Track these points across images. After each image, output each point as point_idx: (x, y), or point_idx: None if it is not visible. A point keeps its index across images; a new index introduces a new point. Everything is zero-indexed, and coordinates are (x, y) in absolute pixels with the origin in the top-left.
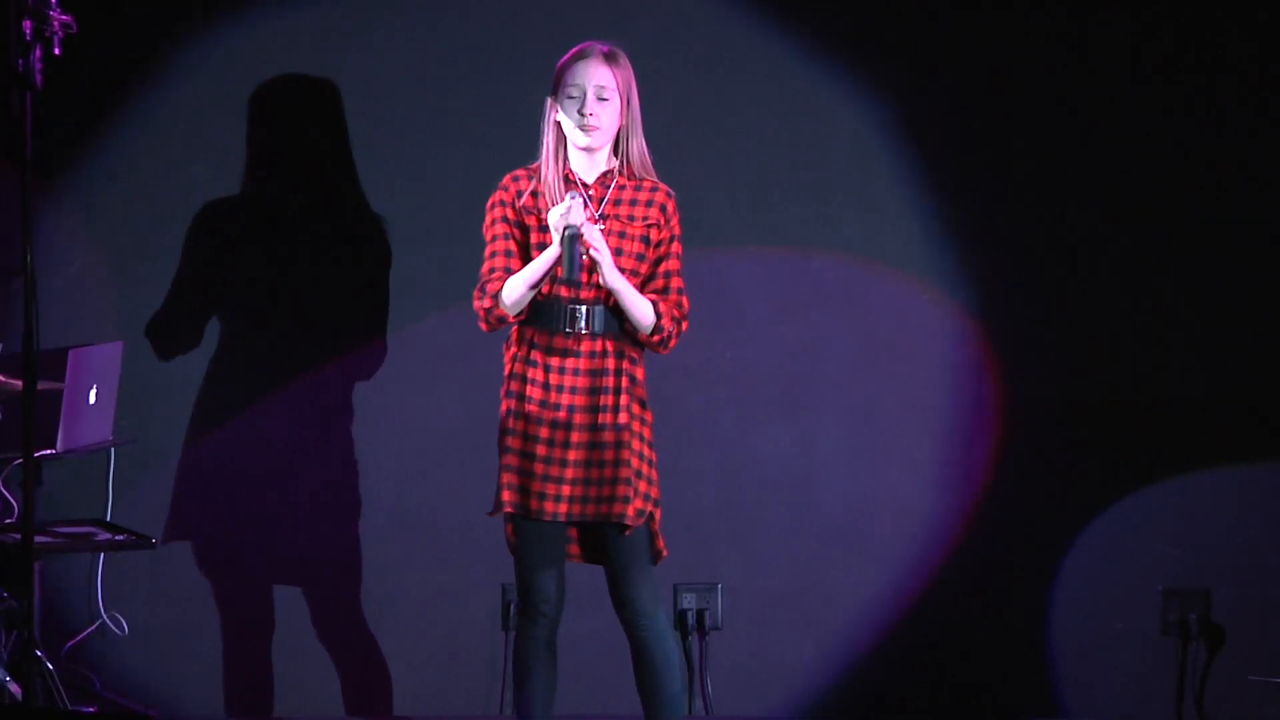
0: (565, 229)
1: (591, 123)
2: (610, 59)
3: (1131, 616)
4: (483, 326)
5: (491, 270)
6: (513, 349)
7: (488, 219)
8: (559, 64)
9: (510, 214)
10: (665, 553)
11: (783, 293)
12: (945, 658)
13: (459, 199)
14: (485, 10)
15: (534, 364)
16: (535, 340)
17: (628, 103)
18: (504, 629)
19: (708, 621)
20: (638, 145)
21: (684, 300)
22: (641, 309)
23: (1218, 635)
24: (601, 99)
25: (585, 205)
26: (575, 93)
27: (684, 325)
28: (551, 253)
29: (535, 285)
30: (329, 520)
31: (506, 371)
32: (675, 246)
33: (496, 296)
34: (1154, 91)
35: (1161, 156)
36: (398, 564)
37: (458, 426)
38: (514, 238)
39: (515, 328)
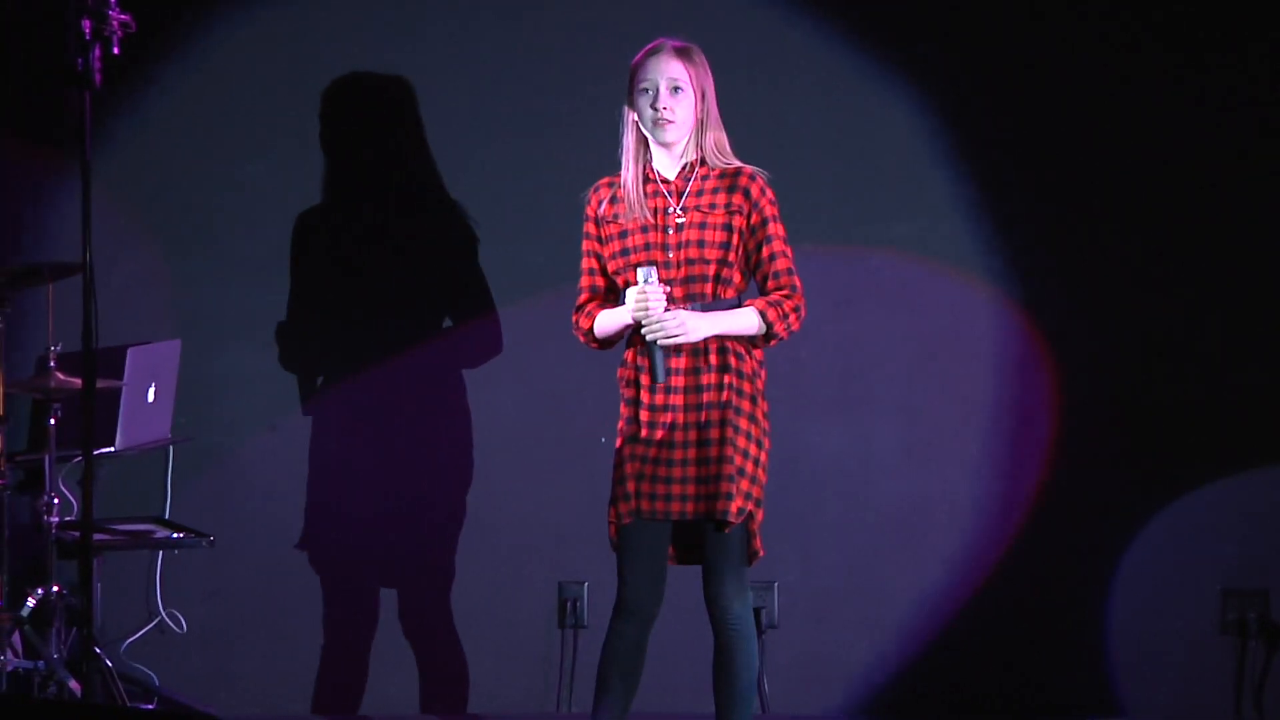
0: (644, 334)
1: (666, 115)
2: (682, 54)
3: (1190, 615)
4: (579, 337)
5: (579, 291)
6: (626, 353)
7: (584, 236)
8: (633, 63)
9: (592, 229)
10: (762, 553)
11: (837, 291)
12: (1002, 656)
13: (519, 197)
14: (543, 11)
15: (641, 369)
16: (644, 350)
17: (702, 96)
18: (560, 627)
19: (764, 620)
20: (713, 138)
21: (796, 281)
22: (745, 326)
23: (1277, 634)
24: (675, 91)
25: (660, 279)
26: (649, 87)
27: (800, 313)
28: (628, 309)
29: (621, 330)
30: (386, 519)
31: (621, 376)
32: (772, 228)
33: (589, 334)
34: (1217, 85)
35: (1220, 150)
36: (455, 563)
37: (516, 425)
38: (596, 254)
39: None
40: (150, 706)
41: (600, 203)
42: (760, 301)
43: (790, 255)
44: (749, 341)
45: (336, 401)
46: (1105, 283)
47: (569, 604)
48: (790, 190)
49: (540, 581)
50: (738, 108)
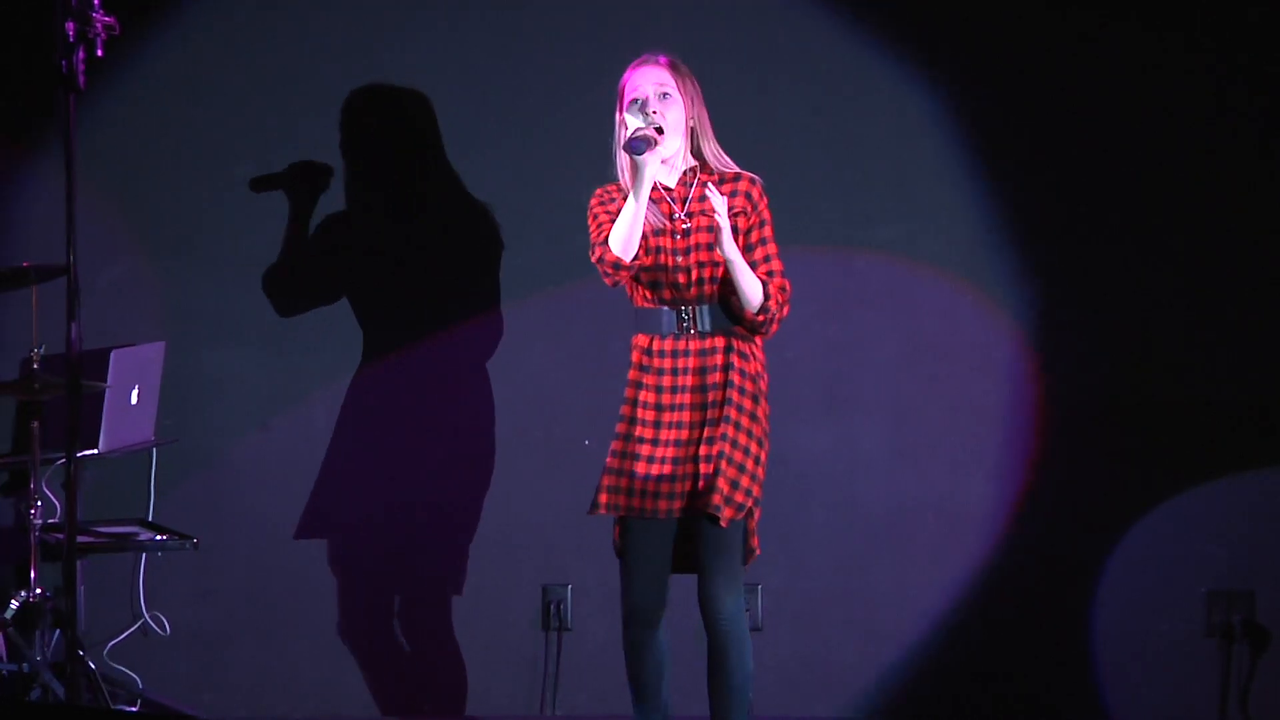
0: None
1: (656, 120)
2: (669, 66)
3: (1176, 618)
4: (607, 281)
5: (593, 247)
6: (633, 355)
7: (589, 216)
8: (621, 81)
9: (611, 208)
10: (758, 551)
11: (825, 292)
12: (988, 659)
13: (503, 204)
14: (533, 16)
15: (648, 369)
16: (649, 347)
17: (691, 103)
18: (544, 630)
19: (749, 623)
20: (710, 148)
21: (786, 284)
22: (751, 284)
23: (1262, 637)
24: (664, 96)
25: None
26: (638, 95)
27: (785, 309)
28: (638, 193)
29: (635, 214)
30: (370, 521)
31: (630, 376)
32: (767, 231)
33: (605, 243)
34: (1204, 88)
35: (1206, 155)
36: (439, 565)
37: (502, 428)
38: (609, 211)
39: (634, 339)
40: (134, 709)
41: (614, 199)
42: (770, 284)
43: (781, 260)
44: (748, 340)
45: (321, 404)
46: (1092, 285)
47: (553, 606)
48: (778, 192)
49: (525, 584)
50: (726, 109)
